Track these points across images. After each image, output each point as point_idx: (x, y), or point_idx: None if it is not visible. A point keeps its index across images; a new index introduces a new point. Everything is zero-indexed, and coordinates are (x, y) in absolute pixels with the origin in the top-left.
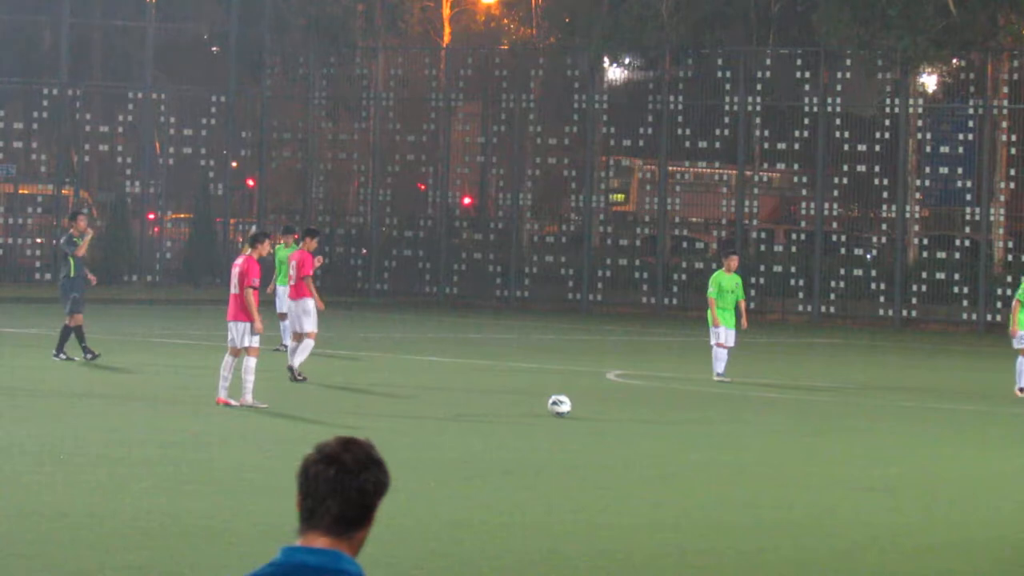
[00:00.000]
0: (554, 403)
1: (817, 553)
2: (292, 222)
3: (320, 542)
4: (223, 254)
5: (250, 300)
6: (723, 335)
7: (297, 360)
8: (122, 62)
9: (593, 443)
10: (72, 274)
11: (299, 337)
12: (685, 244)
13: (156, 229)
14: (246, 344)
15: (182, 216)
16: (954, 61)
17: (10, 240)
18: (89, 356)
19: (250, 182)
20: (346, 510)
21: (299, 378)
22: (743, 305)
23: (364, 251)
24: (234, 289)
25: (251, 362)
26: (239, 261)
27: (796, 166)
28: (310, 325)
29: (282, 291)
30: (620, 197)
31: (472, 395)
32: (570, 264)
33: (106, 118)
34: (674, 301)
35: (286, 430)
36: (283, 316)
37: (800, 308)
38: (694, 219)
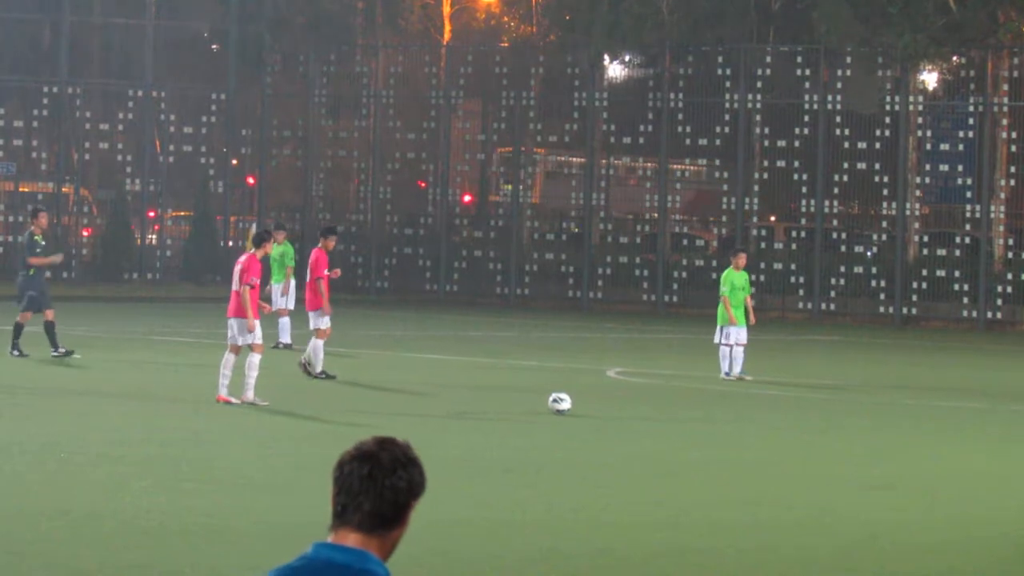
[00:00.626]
0: (554, 401)
1: (818, 551)
2: (283, 220)
3: (351, 539)
4: (223, 252)
5: (246, 298)
6: (735, 334)
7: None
8: (122, 60)
9: (593, 441)
10: (32, 272)
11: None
12: (685, 242)
13: (156, 227)
14: (248, 341)
15: (182, 214)
16: (954, 58)
17: (10, 238)
18: (15, 353)
19: (250, 180)
20: (379, 508)
21: (323, 376)
22: (749, 301)
23: (354, 248)
24: (235, 286)
25: (255, 359)
26: (242, 259)
27: (797, 163)
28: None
29: (276, 288)
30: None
31: (472, 393)
32: (570, 262)
33: (106, 116)
34: (674, 299)
35: (287, 428)
36: (282, 313)
37: (800, 305)
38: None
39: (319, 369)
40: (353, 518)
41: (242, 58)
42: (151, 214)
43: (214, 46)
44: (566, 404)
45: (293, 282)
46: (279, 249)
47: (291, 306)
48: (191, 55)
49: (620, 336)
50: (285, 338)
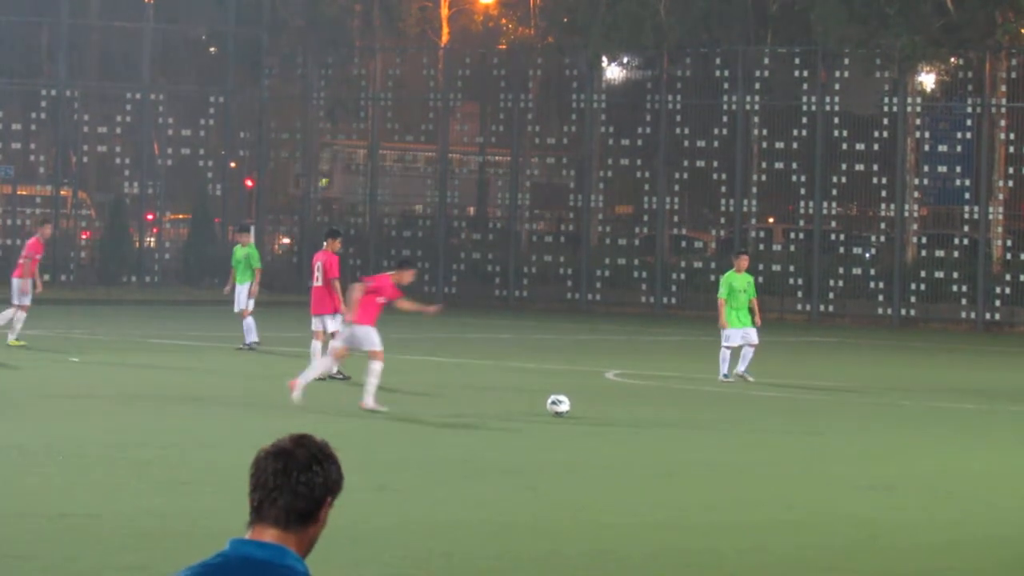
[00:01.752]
0: (553, 403)
1: (817, 552)
2: (249, 223)
3: (268, 535)
4: (222, 254)
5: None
6: (733, 337)
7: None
8: (120, 63)
9: (592, 443)
10: None
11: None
12: (684, 244)
13: (155, 230)
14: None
15: (180, 217)
16: (952, 60)
17: (8, 241)
18: None
19: (248, 182)
20: (293, 504)
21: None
22: (755, 303)
23: (352, 250)
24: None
25: (376, 366)
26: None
27: (795, 164)
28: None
29: (241, 289)
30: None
31: (471, 394)
32: (569, 264)
33: (104, 119)
34: (673, 300)
35: (286, 429)
36: (245, 314)
37: (799, 307)
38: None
39: (334, 370)
40: (269, 514)
41: (240, 61)
42: (149, 217)
43: (212, 49)
44: (565, 406)
45: (247, 285)
46: (244, 251)
47: (251, 308)
48: (189, 58)
49: (618, 338)
50: (253, 337)
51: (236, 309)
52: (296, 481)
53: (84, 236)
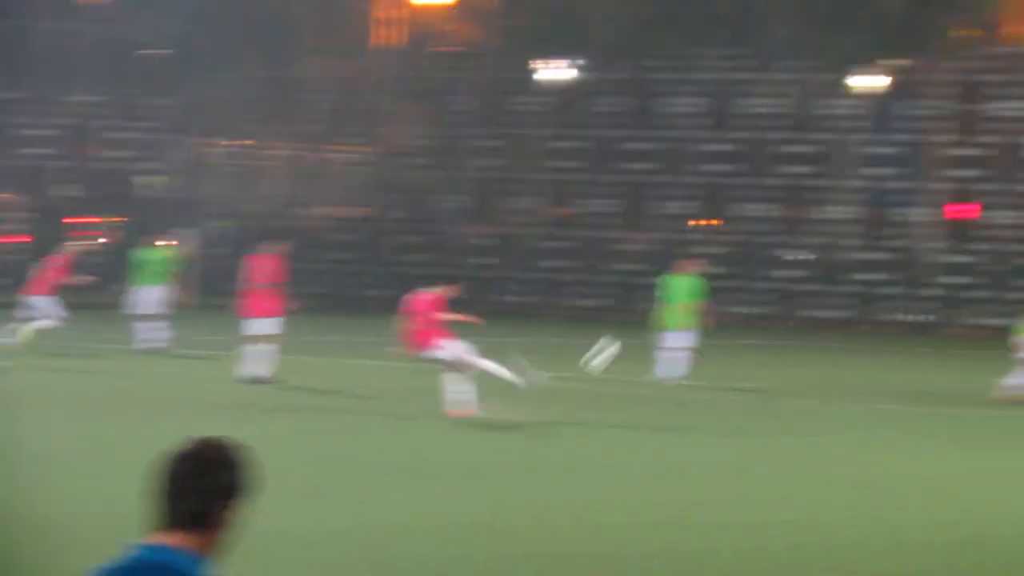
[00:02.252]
0: (596, 352)
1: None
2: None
3: (171, 538)
4: (158, 258)
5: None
6: (680, 339)
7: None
8: (61, 66)
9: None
10: None
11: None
12: (621, 246)
13: (88, 234)
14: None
15: (115, 220)
16: (895, 62)
17: None
18: None
19: (193, 188)
20: (195, 507)
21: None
22: (700, 307)
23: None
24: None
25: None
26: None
27: (736, 167)
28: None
29: (146, 292)
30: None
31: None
32: (505, 267)
33: (45, 123)
34: (611, 303)
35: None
36: (144, 318)
37: (738, 310)
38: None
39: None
40: (172, 517)
41: (183, 64)
42: (82, 221)
43: (155, 52)
44: (607, 354)
45: (159, 288)
46: (156, 254)
47: (163, 311)
48: (132, 61)
49: (557, 340)
50: (159, 341)
51: (139, 311)
52: (197, 485)
53: (6, 240)
